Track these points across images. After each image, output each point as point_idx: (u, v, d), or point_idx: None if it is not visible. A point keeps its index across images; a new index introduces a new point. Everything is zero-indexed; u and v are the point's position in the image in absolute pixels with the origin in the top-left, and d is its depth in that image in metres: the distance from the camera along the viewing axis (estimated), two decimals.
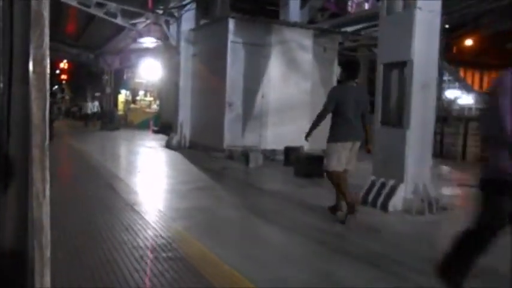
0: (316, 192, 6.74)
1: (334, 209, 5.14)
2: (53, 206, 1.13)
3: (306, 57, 11.76)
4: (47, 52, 1.04)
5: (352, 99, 4.82)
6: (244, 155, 9.66)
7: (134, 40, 19.44)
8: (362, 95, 5.06)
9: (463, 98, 23.09)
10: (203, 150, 11.82)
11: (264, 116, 11.32)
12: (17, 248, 1.02)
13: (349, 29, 12.98)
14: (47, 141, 1.07)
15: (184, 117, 13.14)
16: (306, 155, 8.40)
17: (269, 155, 10.81)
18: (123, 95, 25.46)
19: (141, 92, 24.94)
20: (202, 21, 13.38)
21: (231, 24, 10.87)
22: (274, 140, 11.23)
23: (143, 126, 22.61)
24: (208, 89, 12.09)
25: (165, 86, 20.42)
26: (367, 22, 12.96)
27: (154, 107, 24.89)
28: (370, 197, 5.55)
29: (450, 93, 24.48)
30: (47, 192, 1.07)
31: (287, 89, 11.45)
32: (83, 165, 9.21)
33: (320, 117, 4.91)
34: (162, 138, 16.49)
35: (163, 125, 20.06)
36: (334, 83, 12.57)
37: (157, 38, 20.31)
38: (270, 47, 11.33)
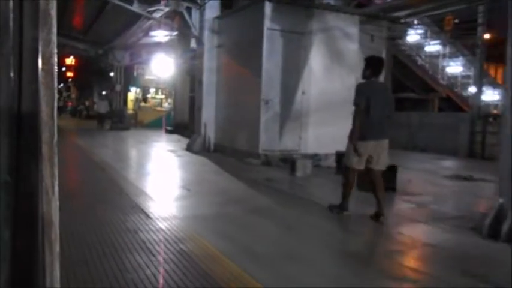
0: (407, 214, 5.24)
1: (341, 208, 5.00)
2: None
3: (352, 47, 10.21)
4: (55, 50, 1.05)
5: (378, 96, 4.69)
6: (290, 162, 8.14)
7: (146, 33, 17.95)
8: (388, 92, 5.02)
9: (487, 94, 21.63)
10: (232, 155, 10.32)
11: (305, 116, 9.80)
12: (27, 244, 1.02)
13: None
14: (56, 138, 1.05)
15: (209, 116, 11.64)
16: None
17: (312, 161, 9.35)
18: (133, 93, 23.98)
19: (152, 90, 23.44)
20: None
21: (268, 8, 9.33)
22: (316, 142, 9.74)
23: (154, 125, 21.25)
24: (237, 84, 10.57)
25: (179, 82, 18.96)
26: (412, 8, 11.45)
27: (166, 105, 23.45)
28: (504, 229, 4.02)
29: (473, 89, 22.80)
30: (56, 188, 1.06)
31: (330, 84, 9.91)
32: (97, 174, 7.74)
33: (357, 118, 4.70)
34: (178, 139, 15.07)
35: (177, 124, 18.66)
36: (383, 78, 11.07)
37: (172, 30, 18.90)
38: (310, 36, 9.79)
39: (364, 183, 6.63)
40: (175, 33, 18.69)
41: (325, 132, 9.56)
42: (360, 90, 4.75)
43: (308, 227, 4.71)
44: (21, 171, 1.01)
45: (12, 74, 0.98)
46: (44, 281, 1.04)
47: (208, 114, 11.64)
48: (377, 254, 4.00)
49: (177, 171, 8.49)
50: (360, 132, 4.65)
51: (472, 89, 22.80)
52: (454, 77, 23.04)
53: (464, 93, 22.50)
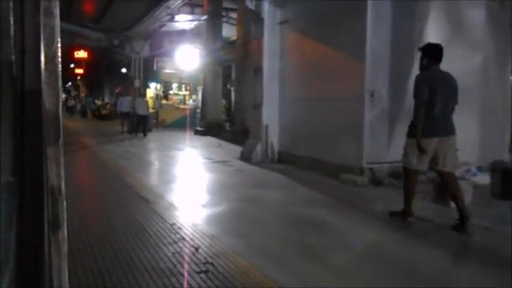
0: None
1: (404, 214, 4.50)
2: None
3: (477, 17, 7.41)
4: (58, 50, 1.02)
5: (443, 88, 4.28)
6: (432, 184, 5.36)
7: (172, 17, 15.23)
8: (454, 82, 4.45)
9: None
10: (312, 168, 7.63)
11: None
12: (34, 244, 1.00)
13: None
14: (61, 138, 1.04)
15: (271, 116, 8.90)
16: None
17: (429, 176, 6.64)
18: (152, 89, 21.25)
19: (175, 85, 20.68)
20: None
21: None
22: None
23: (177, 125, 18.61)
24: (317, 71, 7.79)
25: (209, 75, 16.22)
26: None
27: (190, 102, 20.72)
28: None
29: None
30: (63, 188, 1.04)
31: (451, 66, 7.05)
32: (141, 209, 5.07)
33: (420, 113, 4.22)
34: (219, 143, 12.41)
35: (209, 124, 15.97)
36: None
37: (198, 15, 16.21)
38: (427, 2, 7.00)
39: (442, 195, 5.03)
40: (204, 17, 16.01)
41: None
42: (421, 81, 4.32)
43: None
44: (26, 172, 0.97)
45: (15, 74, 0.94)
46: (51, 282, 1.00)
47: (271, 113, 8.90)
48: None
49: (258, 201, 5.66)
50: (424, 127, 4.21)
51: None
52: None
53: None
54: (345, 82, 7.03)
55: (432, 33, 7.06)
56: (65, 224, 1.05)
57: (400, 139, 6.87)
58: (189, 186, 6.74)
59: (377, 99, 6.74)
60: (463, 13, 7.34)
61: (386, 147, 6.84)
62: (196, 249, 3.73)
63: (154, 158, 10.35)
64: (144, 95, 16.51)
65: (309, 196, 5.81)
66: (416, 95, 4.27)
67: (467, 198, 5.22)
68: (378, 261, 3.52)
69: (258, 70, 9.08)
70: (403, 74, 6.91)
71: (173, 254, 3.61)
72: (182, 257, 3.55)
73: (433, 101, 4.20)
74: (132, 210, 5.04)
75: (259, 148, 8.92)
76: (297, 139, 8.41)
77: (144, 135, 14.55)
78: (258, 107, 9.13)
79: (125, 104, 16.17)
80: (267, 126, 8.91)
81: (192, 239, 3.99)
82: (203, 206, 5.33)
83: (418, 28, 6.97)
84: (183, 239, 4.01)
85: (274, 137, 8.95)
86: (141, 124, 14.70)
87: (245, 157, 9.11)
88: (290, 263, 3.49)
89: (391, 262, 3.51)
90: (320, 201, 5.52)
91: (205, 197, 5.86)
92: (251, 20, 9.64)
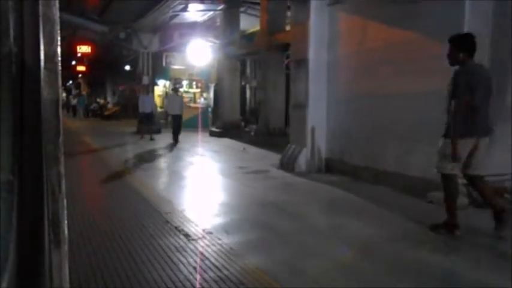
0: None
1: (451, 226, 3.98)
2: None
3: None
4: (58, 48, 0.99)
5: (482, 84, 3.88)
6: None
7: (186, 7, 13.70)
8: (489, 75, 4.00)
9: None
10: (374, 181, 6.19)
11: None
12: (34, 244, 0.97)
13: None
14: (61, 137, 1.00)
15: (318, 117, 7.41)
16: None
17: None
18: (160, 87, 19.75)
19: (185, 82, 19.14)
20: None
21: None
22: None
23: (188, 125, 17.05)
24: (386, 62, 6.28)
25: (226, 71, 14.71)
26: None
27: (201, 100, 19.21)
28: None
29: None
30: (63, 187, 1.01)
31: None
32: (178, 250, 3.60)
33: (460, 113, 3.79)
34: (244, 147, 10.94)
35: (226, 125, 14.51)
36: None
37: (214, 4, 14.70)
38: None
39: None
40: (220, 7, 14.49)
41: None
42: (463, 81, 3.79)
43: None
44: (25, 171, 0.96)
45: (14, 73, 0.93)
46: (52, 281, 0.99)
47: (317, 114, 7.41)
48: None
49: (341, 237, 4.13)
50: (462, 126, 3.77)
51: None
52: None
53: None
54: (429, 74, 5.51)
55: None
56: (65, 222, 1.00)
57: (503, 144, 5.44)
58: (235, 211, 5.16)
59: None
60: None
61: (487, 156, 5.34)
62: None
63: (176, 167, 8.78)
64: (176, 89, 14.55)
65: (404, 228, 4.30)
66: (458, 95, 3.82)
67: None
68: None
69: (301, 62, 7.57)
70: (499, 61, 5.43)
71: None
72: None
73: (475, 100, 3.82)
74: (172, 256, 3.53)
75: (303, 155, 7.43)
76: (354, 145, 6.91)
77: (177, 141, 12.30)
78: (300, 106, 7.63)
79: (147, 103, 13.89)
80: (313, 129, 7.41)
81: None
82: (271, 248, 3.81)
83: None
84: None
85: (321, 142, 7.46)
86: (176, 125, 12.49)
87: (286, 166, 7.62)
88: None
89: None
90: (426, 237, 4.01)
91: (265, 231, 4.31)
92: (292, 2, 8.09)
